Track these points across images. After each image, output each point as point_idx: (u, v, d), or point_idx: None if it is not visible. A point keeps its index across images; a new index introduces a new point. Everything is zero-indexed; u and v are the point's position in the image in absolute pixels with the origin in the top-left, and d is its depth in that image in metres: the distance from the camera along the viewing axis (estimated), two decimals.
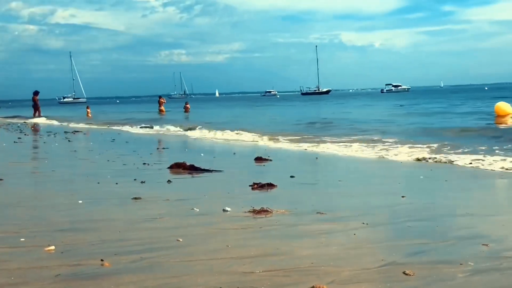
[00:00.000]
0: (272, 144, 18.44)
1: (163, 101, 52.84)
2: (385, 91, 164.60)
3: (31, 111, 46.34)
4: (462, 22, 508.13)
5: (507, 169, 10.94)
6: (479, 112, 32.56)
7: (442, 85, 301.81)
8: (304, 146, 17.25)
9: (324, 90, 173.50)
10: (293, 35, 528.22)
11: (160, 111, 51.63)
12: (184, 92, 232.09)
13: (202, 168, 11.35)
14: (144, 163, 12.38)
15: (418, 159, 13.06)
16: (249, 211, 6.94)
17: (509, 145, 14.76)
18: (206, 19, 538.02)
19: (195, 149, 17.26)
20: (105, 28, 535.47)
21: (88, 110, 50.83)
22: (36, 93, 45.88)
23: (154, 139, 22.01)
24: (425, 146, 15.46)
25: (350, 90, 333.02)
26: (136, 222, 6.37)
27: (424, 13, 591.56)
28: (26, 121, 40.55)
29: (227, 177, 10.57)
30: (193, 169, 11.27)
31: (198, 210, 7.10)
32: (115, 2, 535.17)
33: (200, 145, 19.19)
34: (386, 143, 16.39)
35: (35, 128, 29.37)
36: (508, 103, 27.63)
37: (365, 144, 16.47)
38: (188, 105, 52.72)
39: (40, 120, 41.89)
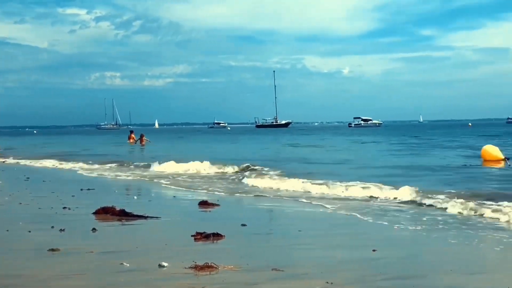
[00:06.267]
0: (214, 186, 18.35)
1: (134, 136, 55.46)
2: (353, 125, 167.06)
3: None
4: (443, 49, 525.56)
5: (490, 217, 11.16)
6: (459, 156, 32.55)
7: (421, 120, 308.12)
8: (261, 183, 17.22)
9: (283, 122, 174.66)
10: (248, 58, 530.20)
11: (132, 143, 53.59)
12: (116, 122, 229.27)
13: (135, 214, 11.20)
14: (64, 207, 12.14)
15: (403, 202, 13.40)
16: (191, 267, 6.84)
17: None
18: (146, 37, 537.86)
19: (127, 190, 17.05)
20: (24, 44, 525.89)
21: None
22: None
23: (78, 178, 21.64)
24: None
25: (315, 123, 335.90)
26: (53, 279, 6.20)
27: (400, 37, 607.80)
28: None
29: (165, 225, 10.46)
30: (123, 215, 11.12)
31: (128, 265, 6.97)
32: (39, 15, 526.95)
33: (136, 185, 18.96)
34: (346, 186, 16.32)
35: None
36: (494, 144, 28.21)
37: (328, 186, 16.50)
38: (141, 137, 54.18)
39: None
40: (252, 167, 22.77)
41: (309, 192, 16.00)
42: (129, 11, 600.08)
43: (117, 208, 11.44)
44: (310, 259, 7.71)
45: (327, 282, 6.31)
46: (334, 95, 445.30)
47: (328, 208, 13.05)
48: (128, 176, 22.10)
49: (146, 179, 20.78)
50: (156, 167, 24.53)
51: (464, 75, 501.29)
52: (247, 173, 21.03)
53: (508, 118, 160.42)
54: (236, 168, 22.96)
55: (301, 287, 6.16)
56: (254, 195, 15.65)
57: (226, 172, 22.45)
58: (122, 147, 47.27)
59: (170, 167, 24.30)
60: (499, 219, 11.16)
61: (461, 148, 37.72)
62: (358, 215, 11.87)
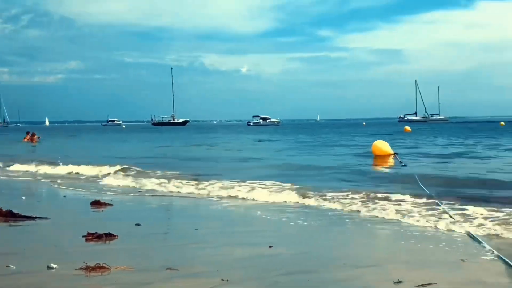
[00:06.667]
0: (112, 183, 18.05)
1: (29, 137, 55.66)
2: (252, 124, 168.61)
3: None
4: (339, 50, 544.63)
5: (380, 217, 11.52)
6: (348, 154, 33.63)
7: (318, 119, 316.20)
8: (153, 185, 17.05)
9: (181, 120, 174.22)
10: (144, 54, 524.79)
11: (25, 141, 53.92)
12: (4, 119, 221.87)
13: (23, 214, 10.86)
14: None
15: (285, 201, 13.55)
16: (81, 268, 6.67)
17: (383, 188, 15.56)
18: (36, 32, 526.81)
19: (15, 190, 16.50)
20: None
21: None
22: None
23: None
24: (291, 187, 15.83)
25: (214, 122, 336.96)
26: None
27: (298, 37, 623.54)
28: None
29: (54, 226, 10.19)
30: (10, 216, 10.77)
31: (15, 267, 6.74)
32: None
33: (20, 185, 18.37)
34: (243, 185, 16.48)
35: None
36: (384, 140, 29.34)
37: (222, 185, 16.54)
38: (32, 136, 54.69)
39: None
40: (133, 167, 22.40)
41: (204, 191, 15.92)
42: (18, 4, 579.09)
43: (4, 209, 11.04)
44: (206, 257, 7.69)
45: (223, 280, 6.32)
46: (232, 94, 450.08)
47: (225, 206, 13.10)
48: (17, 176, 21.39)
49: (35, 178, 20.18)
50: (13, 167, 24.25)
51: (359, 75, 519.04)
52: (132, 173, 20.81)
53: (400, 117, 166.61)
54: (118, 167, 22.16)
55: (197, 286, 6.13)
56: (152, 195, 15.43)
57: (109, 173, 21.30)
58: (11, 146, 45.81)
59: (43, 167, 23.74)
60: (389, 214, 11.51)
61: (354, 146, 38.92)
62: (254, 213, 11.98)
